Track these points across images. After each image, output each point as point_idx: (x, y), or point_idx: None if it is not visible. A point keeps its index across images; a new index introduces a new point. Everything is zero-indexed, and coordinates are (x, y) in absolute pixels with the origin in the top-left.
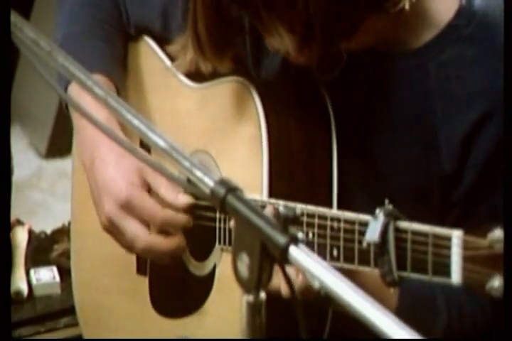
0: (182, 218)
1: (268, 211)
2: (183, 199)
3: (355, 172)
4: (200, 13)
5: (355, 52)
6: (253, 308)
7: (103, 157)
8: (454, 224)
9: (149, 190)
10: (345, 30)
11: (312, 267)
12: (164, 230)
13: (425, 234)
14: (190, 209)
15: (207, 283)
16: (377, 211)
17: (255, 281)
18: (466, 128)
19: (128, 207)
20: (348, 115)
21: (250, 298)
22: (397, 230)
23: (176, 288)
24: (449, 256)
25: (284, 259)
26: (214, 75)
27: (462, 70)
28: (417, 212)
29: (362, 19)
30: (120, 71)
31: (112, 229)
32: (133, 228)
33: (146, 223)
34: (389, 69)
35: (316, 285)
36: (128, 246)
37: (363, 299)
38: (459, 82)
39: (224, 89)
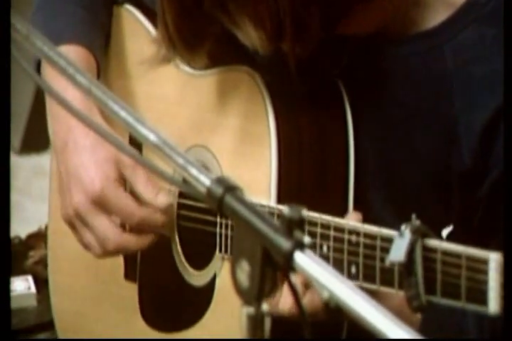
0: (160, 218)
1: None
2: (163, 199)
3: (371, 171)
4: (166, 5)
5: (364, 37)
6: (254, 321)
7: (78, 141)
8: (478, 224)
9: (125, 185)
10: (325, 23)
11: (320, 275)
12: (138, 229)
13: (458, 255)
14: (168, 210)
15: (205, 294)
16: (403, 227)
17: (256, 291)
18: (487, 117)
19: (100, 203)
20: (362, 106)
21: (251, 309)
22: (426, 249)
23: (170, 299)
24: (485, 282)
25: (288, 267)
26: (214, 63)
27: (481, 52)
28: (438, 211)
29: (348, 7)
30: (102, 42)
31: (76, 224)
32: (103, 226)
33: (117, 221)
34: (401, 53)
35: (325, 295)
36: (89, 244)
37: (379, 312)
38: (478, 65)
39: (227, 78)
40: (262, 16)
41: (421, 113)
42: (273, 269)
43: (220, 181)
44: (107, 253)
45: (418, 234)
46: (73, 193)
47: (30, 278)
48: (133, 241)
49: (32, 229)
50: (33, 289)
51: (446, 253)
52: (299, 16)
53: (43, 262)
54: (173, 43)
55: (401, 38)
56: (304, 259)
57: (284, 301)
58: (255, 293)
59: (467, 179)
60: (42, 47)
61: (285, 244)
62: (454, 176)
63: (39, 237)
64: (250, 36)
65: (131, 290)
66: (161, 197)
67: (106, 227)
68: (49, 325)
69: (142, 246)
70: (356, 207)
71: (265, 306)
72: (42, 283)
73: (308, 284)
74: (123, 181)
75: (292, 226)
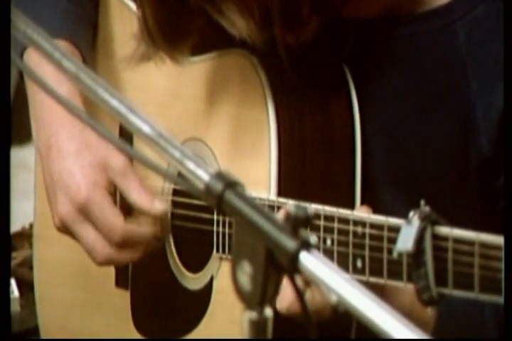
0: (146, 232)
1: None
2: (159, 206)
3: (381, 162)
4: None
5: (371, 18)
6: (256, 327)
7: (62, 145)
8: (498, 215)
9: (114, 192)
10: (320, 7)
11: (328, 278)
12: (124, 245)
13: (470, 243)
14: (163, 219)
15: (202, 298)
16: (411, 214)
17: (259, 295)
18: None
19: (85, 213)
20: (371, 91)
21: (253, 314)
22: (436, 237)
23: (164, 305)
24: (500, 270)
25: (293, 268)
26: (208, 47)
27: (497, 30)
28: (455, 203)
29: None
30: (88, 35)
31: (67, 232)
32: (90, 237)
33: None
34: (411, 33)
35: (333, 299)
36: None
37: (392, 317)
38: (493, 44)
39: (221, 63)
40: (249, 4)
41: (435, 97)
42: (277, 271)
43: (220, 176)
44: (99, 264)
45: (427, 221)
46: (58, 201)
47: (13, 281)
48: (120, 256)
49: (15, 228)
50: (16, 293)
51: (457, 240)
52: (288, 2)
53: (27, 264)
54: (153, 38)
55: (410, 17)
56: (310, 260)
57: (282, 297)
58: (258, 297)
59: (486, 169)
60: (26, 30)
61: (290, 243)
62: (471, 166)
63: (22, 237)
64: (237, 25)
65: (123, 298)
66: (157, 204)
67: (92, 239)
68: (33, 332)
69: (131, 260)
70: (364, 201)
71: (268, 311)
72: (26, 287)
73: (308, 281)
74: (112, 188)
75: (297, 224)
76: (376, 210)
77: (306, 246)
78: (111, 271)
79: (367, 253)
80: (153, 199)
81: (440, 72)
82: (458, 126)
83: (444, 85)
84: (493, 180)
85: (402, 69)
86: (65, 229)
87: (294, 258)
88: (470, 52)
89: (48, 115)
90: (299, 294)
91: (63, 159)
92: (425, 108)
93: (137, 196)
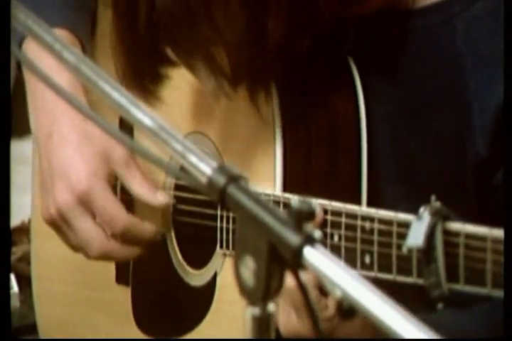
0: (147, 230)
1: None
2: (162, 198)
3: (383, 160)
4: (117, 42)
5: (368, 14)
6: (259, 323)
7: (63, 133)
8: (495, 212)
9: (115, 183)
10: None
11: (332, 273)
12: (124, 238)
13: (482, 238)
14: (167, 211)
15: (205, 295)
16: (422, 209)
17: (262, 290)
18: (501, 100)
19: (85, 203)
20: (371, 89)
21: (256, 310)
22: (447, 233)
23: (166, 302)
24: None
25: (297, 263)
26: None
27: (496, 27)
28: (454, 202)
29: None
30: (87, 25)
31: (59, 224)
32: (87, 228)
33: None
34: (411, 27)
35: (338, 294)
36: (77, 246)
37: (398, 313)
38: (493, 42)
39: None
40: (218, 64)
41: (433, 95)
42: (280, 266)
43: (223, 170)
44: (94, 258)
45: (438, 217)
46: (57, 191)
47: (12, 276)
48: (119, 250)
49: (14, 222)
50: (16, 288)
51: (469, 236)
52: (254, 57)
53: (27, 259)
54: (126, 81)
55: (408, 12)
56: (314, 255)
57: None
58: (261, 292)
59: (482, 169)
60: (26, 20)
61: (294, 238)
62: (469, 166)
63: (22, 232)
64: (207, 83)
65: (124, 294)
66: (159, 196)
67: (90, 231)
68: (33, 328)
69: (129, 256)
70: (369, 197)
71: (272, 306)
72: (25, 282)
73: (325, 291)
74: (113, 180)
75: (301, 219)
76: (377, 205)
77: (310, 240)
78: (111, 266)
79: (375, 248)
80: (155, 191)
81: (438, 69)
82: (455, 126)
83: (442, 84)
84: (490, 179)
85: (401, 66)
86: (58, 219)
87: (298, 253)
88: (467, 48)
89: (50, 103)
90: (303, 290)
91: (65, 147)
92: (424, 107)
93: (140, 187)
